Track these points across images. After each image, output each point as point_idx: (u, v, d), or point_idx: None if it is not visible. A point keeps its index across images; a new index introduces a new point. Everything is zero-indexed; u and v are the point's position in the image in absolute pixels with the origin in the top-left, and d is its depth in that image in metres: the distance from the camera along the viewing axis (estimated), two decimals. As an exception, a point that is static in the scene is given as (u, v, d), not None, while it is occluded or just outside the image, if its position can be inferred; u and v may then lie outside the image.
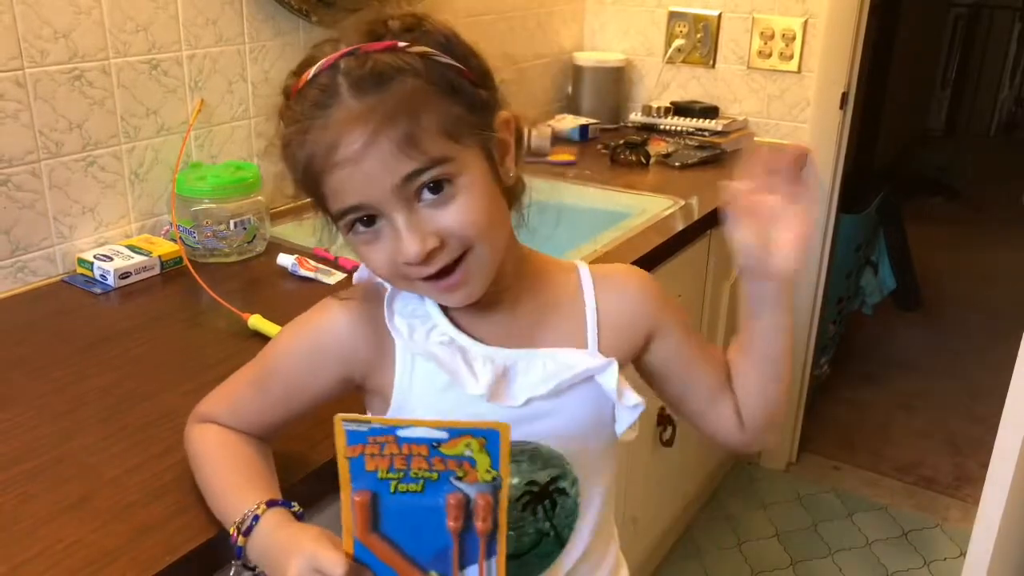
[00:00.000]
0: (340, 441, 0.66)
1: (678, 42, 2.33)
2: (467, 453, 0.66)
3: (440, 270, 0.72)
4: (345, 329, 0.81)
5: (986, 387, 2.87)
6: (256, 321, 1.16)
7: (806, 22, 2.18)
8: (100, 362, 1.09)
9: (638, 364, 0.90)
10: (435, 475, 0.67)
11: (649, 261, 1.50)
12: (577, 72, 2.37)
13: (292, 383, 0.84)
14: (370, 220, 0.72)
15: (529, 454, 0.82)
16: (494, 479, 0.67)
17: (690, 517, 2.28)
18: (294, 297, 1.29)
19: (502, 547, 0.69)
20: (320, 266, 1.36)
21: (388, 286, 0.81)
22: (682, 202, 1.78)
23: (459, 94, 0.72)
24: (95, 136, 1.32)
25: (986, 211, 4.72)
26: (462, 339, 0.80)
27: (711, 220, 1.78)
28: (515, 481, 0.83)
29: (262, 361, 0.85)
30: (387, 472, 0.67)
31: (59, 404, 0.99)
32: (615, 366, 0.82)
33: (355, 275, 0.87)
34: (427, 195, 0.70)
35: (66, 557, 0.76)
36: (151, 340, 1.16)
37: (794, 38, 2.20)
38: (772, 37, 2.22)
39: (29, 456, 0.90)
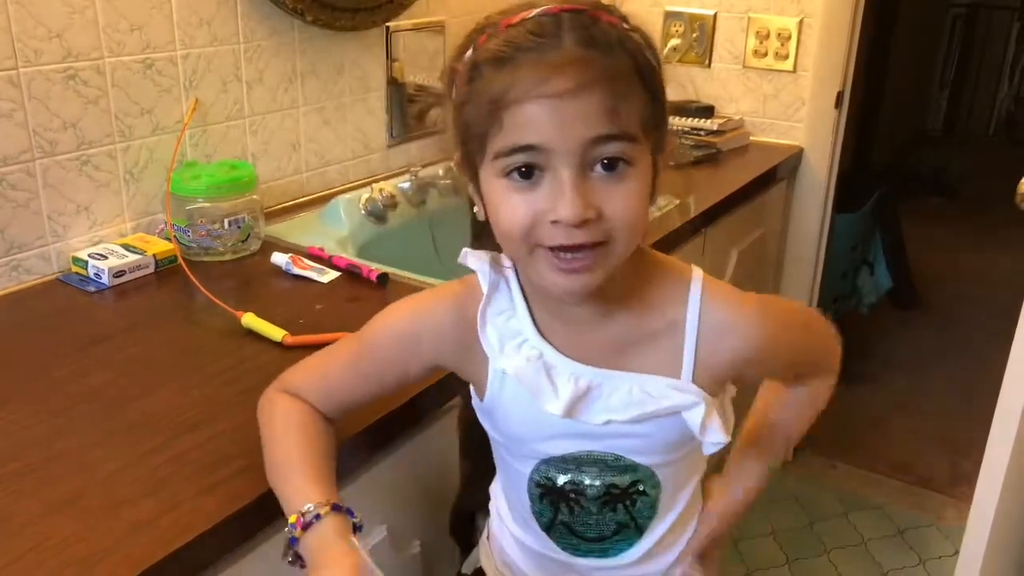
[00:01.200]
0: None
1: (674, 42, 2.34)
2: None
3: (571, 247, 0.70)
4: (447, 320, 0.83)
5: (982, 386, 2.86)
6: (250, 319, 1.16)
7: (801, 21, 2.18)
8: (94, 360, 1.09)
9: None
10: None
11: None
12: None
13: (386, 359, 0.86)
14: (529, 172, 0.70)
15: (611, 462, 0.84)
16: None
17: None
18: (288, 296, 1.30)
19: None
20: (314, 265, 1.37)
21: (485, 290, 0.81)
22: (677, 201, 1.79)
23: (655, 94, 0.72)
24: (89, 135, 1.32)
25: (983, 211, 4.72)
26: (550, 354, 0.80)
27: (707, 218, 1.78)
28: (596, 483, 0.85)
29: (363, 335, 0.87)
30: None
31: (52, 402, 1.00)
32: (703, 407, 0.79)
33: (471, 261, 0.84)
34: (600, 169, 0.69)
35: (58, 554, 0.76)
36: (145, 339, 1.16)
37: (789, 37, 2.20)
38: (768, 37, 2.23)
39: (22, 454, 0.90)
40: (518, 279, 0.82)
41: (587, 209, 0.68)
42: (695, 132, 2.19)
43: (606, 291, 0.76)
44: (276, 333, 1.14)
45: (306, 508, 0.77)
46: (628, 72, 0.69)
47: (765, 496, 2.44)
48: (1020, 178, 1.51)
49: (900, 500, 2.46)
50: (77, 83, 1.29)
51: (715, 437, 0.81)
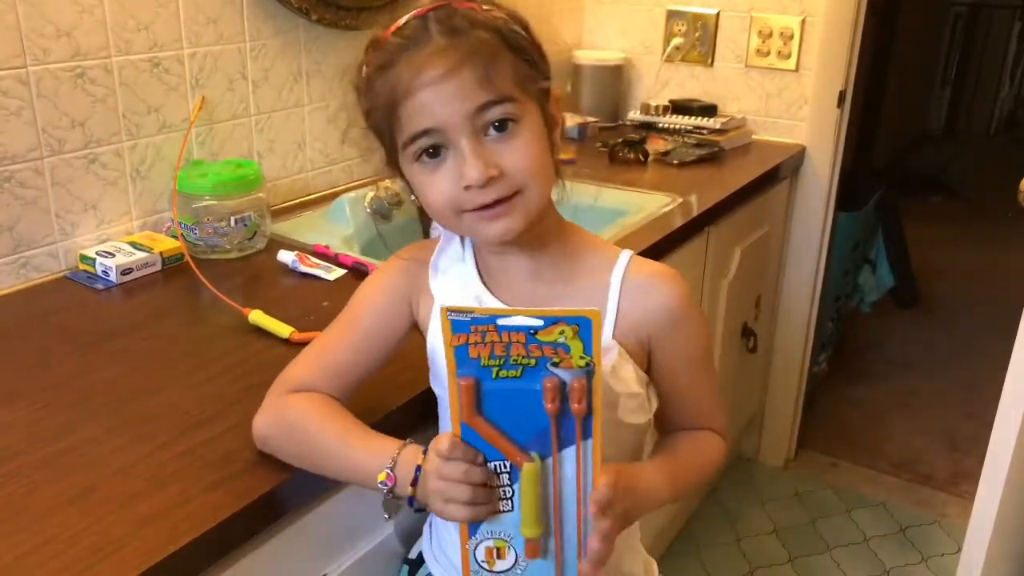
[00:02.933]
0: (446, 331, 0.71)
1: (676, 40, 2.34)
2: (561, 340, 0.71)
3: (487, 204, 0.80)
4: (409, 268, 0.95)
5: (984, 384, 2.88)
6: (257, 317, 1.17)
7: (804, 21, 2.19)
8: (103, 357, 1.10)
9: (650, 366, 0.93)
10: (533, 361, 0.72)
11: (647, 258, 1.51)
12: (576, 71, 2.38)
13: (373, 320, 0.94)
14: (435, 151, 0.80)
15: None
16: (587, 364, 0.72)
17: (689, 513, 2.29)
18: (294, 293, 1.31)
19: (598, 429, 0.74)
20: (320, 262, 1.37)
21: (439, 244, 0.93)
22: (680, 199, 1.79)
23: (527, 55, 0.82)
24: (97, 133, 1.33)
25: (985, 210, 4.73)
26: (486, 298, 0.89)
27: (709, 217, 1.79)
28: None
29: (345, 313, 0.96)
30: (489, 359, 0.72)
31: (63, 398, 1.00)
32: (617, 350, 0.86)
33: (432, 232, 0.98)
34: (492, 132, 0.79)
35: (71, 546, 0.77)
36: (153, 335, 1.17)
37: (792, 37, 2.21)
38: (770, 36, 2.23)
39: (34, 448, 0.91)
40: (472, 240, 0.93)
41: (489, 168, 0.78)
42: (698, 131, 2.20)
43: (537, 243, 0.87)
44: (283, 330, 1.14)
45: (406, 468, 0.81)
46: (492, 44, 0.79)
47: (767, 494, 2.45)
48: (1021, 177, 1.51)
49: (902, 498, 2.46)
50: (85, 81, 1.30)
51: (625, 387, 0.88)
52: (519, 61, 0.81)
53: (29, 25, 1.22)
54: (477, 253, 0.93)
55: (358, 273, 1.35)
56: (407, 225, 1.70)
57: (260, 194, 1.45)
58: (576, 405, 0.73)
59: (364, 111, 0.84)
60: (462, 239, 0.93)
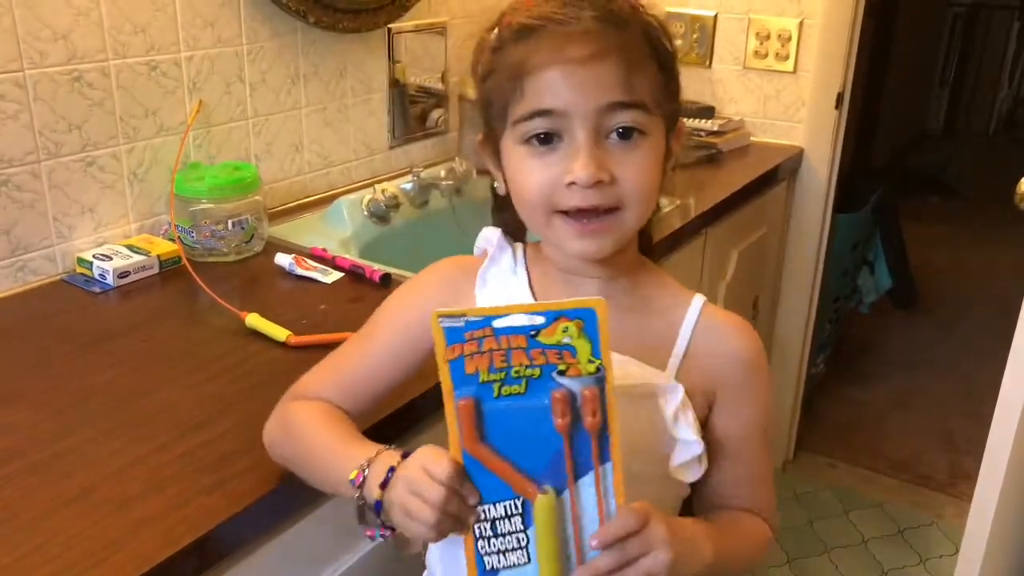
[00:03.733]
0: (439, 342, 0.65)
1: (674, 42, 2.34)
2: (566, 340, 0.65)
3: (587, 210, 0.74)
4: (449, 282, 0.87)
5: (982, 385, 2.88)
6: (254, 320, 1.17)
7: (801, 22, 2.19)
8: (100, 360, 1.10)
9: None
10: (537, 371, 0.65)
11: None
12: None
13: (395, 340, 0.87)
14: (548, 138, 0.74)
15: None
16: (597, 369, 0.65)
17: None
18: (291, 296, 1.31)
19: (616, 445, 0.66)
20: (317, 265, 1.37)
21: (491, 253, 0.86)
22: (678, 201, 1.79)
23: (667, 72, 0.77)
24: (94, 137, 1.33)
25: (983, 210, 4.73)
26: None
27: (707, 219, 1.79)
28: None
29: (368, 324, 0.90)
30: (488, 373, 0.65)
31: (59, 400, 1.00)
32: (681, 392, 0.79)
33: (485, 231, 0.89)
34: (615, 137, 0.73)
35: (67, 549, 0.77)
36: (150, 338, 1.17)
37: (790, 38, 2.21)
38: (768, 37, 2.23)
39: (30, 451, 0.91)
40: (524, 252, 0.87)
41: (601, 171, 0.72)
42: (696, 133, 2.20)
43: (612, 271, 0.81)
44: (280, 333, 1.14)
45: (377, 470, 0.73)
46: (642, 47, 0.74)
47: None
48: (1020, 177, 1.52)
49: (900, 499, 2.46)
50: (82, 85, 1.30)
51: (686, 434, 0.79)
52: (660, 74, 0.76)
53: (25, 28, 1.22)
54: (531, 270, 0.86)
55: (355, 276, 1.35)
56: (405, 228, 1.70)
57: (257, 197, 1.45)
58: (590, 418, 0.65)
59: (482, 72, 0.77)
60: (514, 254, 0.86)
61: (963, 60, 6.23)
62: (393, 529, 0.73)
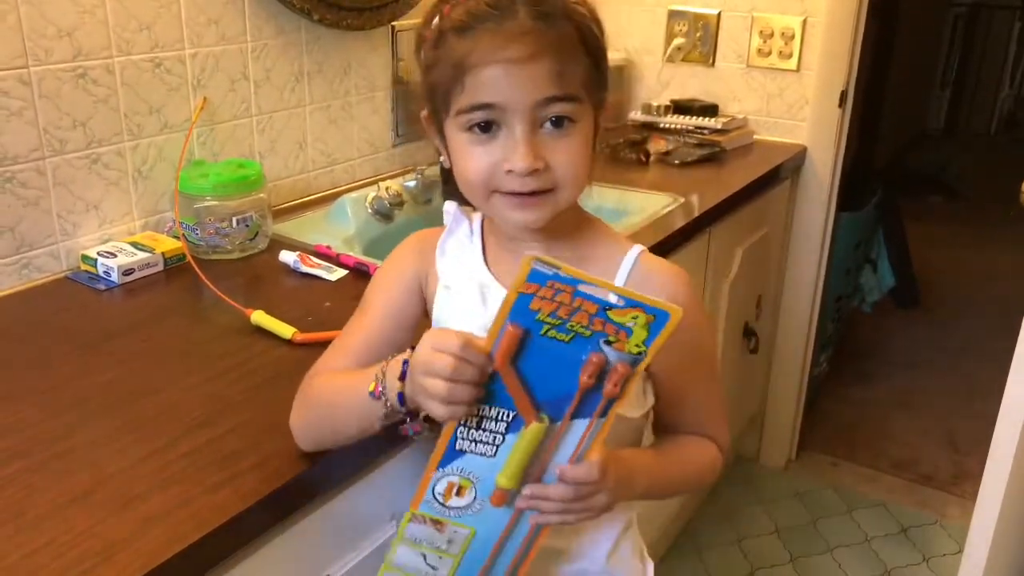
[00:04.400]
0: (520, 277, 0.69)
1: (678, 41, 2.34)
2: (630, 324, 0.69)
3: (523, 193, 0.81)
4: (417, 250, 0.95)
5: (985, 384, 2.87)
6: (259, 317, 1.17)
7: (805, 21, 2.19)
8: (104, 357, 1.10)
9: None
10: (588, 332, 0.70)
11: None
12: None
13: (386, 303, 0.94)
14: (487, 126, 0.80)
15: None
16: (639, 353, 0.71)
17: (690, 513, 2.29)
18: (296, 293, 1.30)
19: (613, 413, 0.73)
20: (322, 263, 1.37)
21: (447, 226, 0.93)
22: (682, 199, 1.79)
23: (597, 60, 0.83)
24: (99, 134, 1.33)
25: (985, 210, 4.73)
26: (489, 282, 0.90)
27: (710, 217, 1.79)
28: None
29: (361, 302, 0.96)
30: (547, 316, 0.70)
31: (64, 399, 1.00)
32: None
33: (446, 206, 0.96)
34: (548, 126, 0.80)
35: (72, 548, 0.77)
36: (154, 336, 1.17)
37: (793, 37, 2.20)
38: (771, 36, 2.23)
39: (35, 449, 0.90)
40: (481, 222, 0.94)
41: (536, 160, 0.79)
42: (699, 131, 2.20)
43: (554, 234, 0.87)
44: (285, 331, 1.14)
45: (392, 367, 0.79)
46: (573, 41, 0.80)
47: (768, 494, 2.45)
48: (1021, 177, 1.51)
49: (903, 498, 2.46)
50: (87, 82, 1.30)
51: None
52: (591, 64, 0.82)
53: (31, 26, 1.22)
54: (485, 238, 0.93)
55: (359, 274, 1.35)
56: (409, 225, 1.70)
57: (262, 194, 1.45)
58: (611, 387, 0.72)
59: (425, 63, 0.83)
60: (470, 224, 0.94)
61: (964, 60, 6.23)
62: (427, 419, 0.80)
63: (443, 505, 0.79)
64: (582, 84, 0.80)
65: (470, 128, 0.81)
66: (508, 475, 0.77)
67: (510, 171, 0.80)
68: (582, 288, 0.69)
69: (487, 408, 0.74)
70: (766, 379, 2.51)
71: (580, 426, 0.75)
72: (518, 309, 0.71)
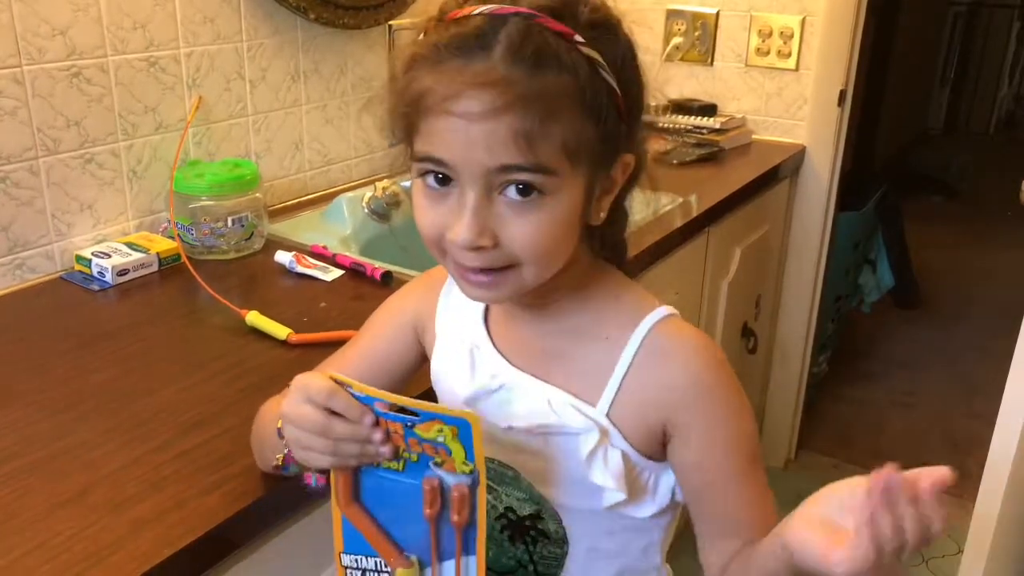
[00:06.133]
0: None
1: (676, 40, 2.34)
2: (440, 439, 0.63)
3: (469, 268, 0.69)
4: (422, 294, 0.87)
5: (984, 385, 2.87)
6: (254, 318, 1.16)
7: (804, 20, 2.18)
8: (98, 358, 1.09)
9: (668, 456, 0.77)
10: (415, 456, 0.65)
11: (647, 259, 1.51)
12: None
13: (373, 345, 0.88)
14: (444, 180, 0.67)
15: (511, 479, 0.80)
16: (472, 472, 0.64)
17: (688, 514, 2.28)
18: (292, 294, 1.30)
19: (481, 545, 0.66)
20: (318, 263, 1.37)
21: (448, 279, 0.83)
22: (680, 199, 1.79)
23: (599, 120, 0.66)
24: (93, 133, 1.32)
25: (985, 209, 4.72)
26: (483, 344, 0.80)
27: (709, 217, 1.78)
28: (495, 502, 0.82)
29: (361, 331, 0.90)
30: None
31: (57, 400, 1.00)
32: (596, 433, 0.73)
33: None
34: (511, 193, 0.65)
35: (64, 550, 0.76)
36: (149, 337, 1.16)
37: (792, 36, 2.20)
38: (770, 35, 2.22)
39: (27, 451, 0.90)
40: None
41: (481, 236, 0.66)
42: (697, 130, 2.19)
43: (551, 292, 0.74)
44: (280, 331, 1.14)
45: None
46: (558, 94, 0.63)
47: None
48: (1021, 175, 1.51)
49: (902, 498, 2.45)
50: (81, 81, 1.29)
51: (602, 479, 0.73)
52: (586, 125, 0.65)
53: (24, 24, 1.21)
54: None
55: (355, 274, 1.34)
56: (405, 226, 1.69)
57: (257, 194, 1.44)
58: (456, 517, 0.65)
59: (398, 87, 0.69)
60: None
61: (964, 59, 6.22)
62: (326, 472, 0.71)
63: None
64: (563, 150, 0.64)
65: (424, 175, 0.68)
66: None
67: (452, 240, 0.67)
68: (378, 407, 0.63)
69: (363, 559, 0.69)
70: (765, 379, 2.51)
71: (450, 568, 0.68)
72: None
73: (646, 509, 0.78)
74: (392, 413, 0.64)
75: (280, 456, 0.75)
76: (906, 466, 0.61)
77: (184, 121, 1.45)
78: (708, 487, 0.76)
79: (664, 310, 0.75)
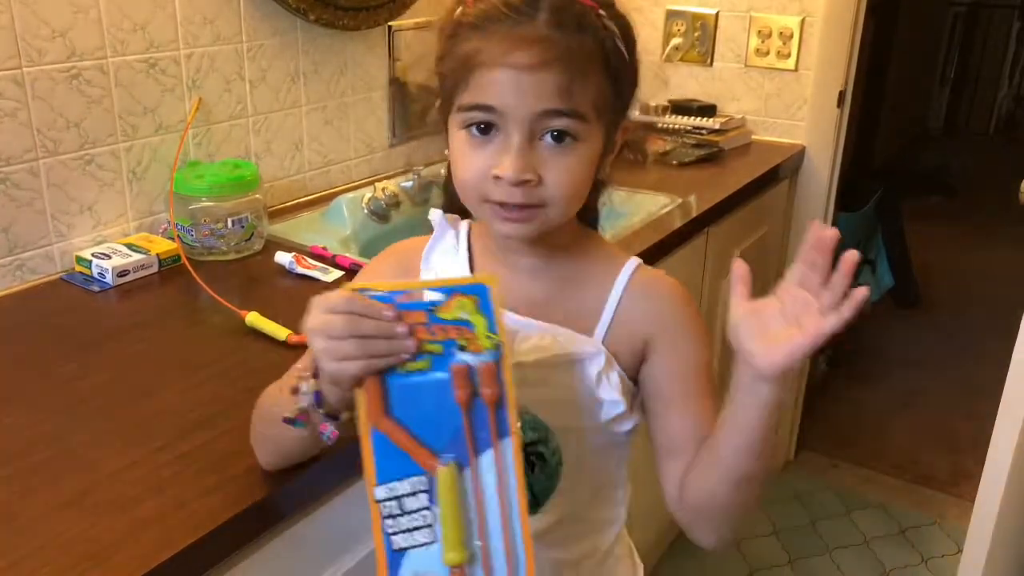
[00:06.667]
0: None
1: (676, 40, 2.34)
2: (463, 316, 0.67)
3: (509, 204, 0.78)
4: (401, 260, 0.92)
5: (984, 385, 2.86)
6: (254, 318, 1.17)
7: (803, 21, 2.18)
8: (99, 359, 1.09)
9: (640, 376, 0.88)
10: (439, 348, 0.68)
11: (647, 259, 1.48)
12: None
13: None
14: (487, 128, 0.77)
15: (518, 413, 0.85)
16: (496, 345, 0.67)
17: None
18: (291, 295, 1.30)
19: (513, 419, 0.68)
20: (317, 264, 1.37)
21: (434, 234, 0.91)
22: (680, 200, 1.79)
23: (617, 80, 0.79)
24: (93, 135, 1.32)
25: (984, 209, 4.72)
26: None
27: (709, 218, 1.78)
28: None
29: None
30: None
31: (58, 401, 1.00)
32: (603, 357, 0.84)
33: (431, 213, 0.93)
34: (549, 139, 0.76)
35: (65, 552, 0.77)
36: (149, 338, 1.16)
37: (791, 36, 2.20)
38: (769, 36, 2.23)
39: (28, 452, 0.90)
40: (468, 229, 0.91)
41: (526, 171, 0.76)
42: (697, 131, 2.19)
43: (547, 248, 0.85)
44: (280, 332, 1.14)
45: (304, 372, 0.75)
46: (590, 55, 0.76)
47: (766, 495, 2.45)
48: (1021, 176, 1.51)
49: (902, 499, 2.46)
50: (81, 82, 1.29)
51: (609, 395, 0.84)
52: (607, 84, 0.78)
53: (24, 26, 1.21)
54: (472, 247, 0.91)
55: (355, 275, 1.34)
56: (405, 226, 1.70)
57: (257, 195, 1.44)
58: (486, 390, 0.68)
59: (439, 53, 0.80)
60: (457, 233, 0.92)
61: (963, 59, 6.23)
62: (336, 418, 0.75)
63: None
64: (592, 102, 0.77)
65: (468, 127, 0.78)
66: (449, 544, 0.69)
67: (498, 177, 0.77)
68: (400, 300, 0.66)
69: (398, 484, 0.69)
70: (765, 379, 2.50)
71: (488, 459, 0.69)
72: None
73: (628, 423, 0.88)
74: (413, 302, 0.67)
75: (295, 408, 0.76)
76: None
77: (184, 122, 1.45)
78: (672, 401, 0.86)
79: (637, 260, 0.89)
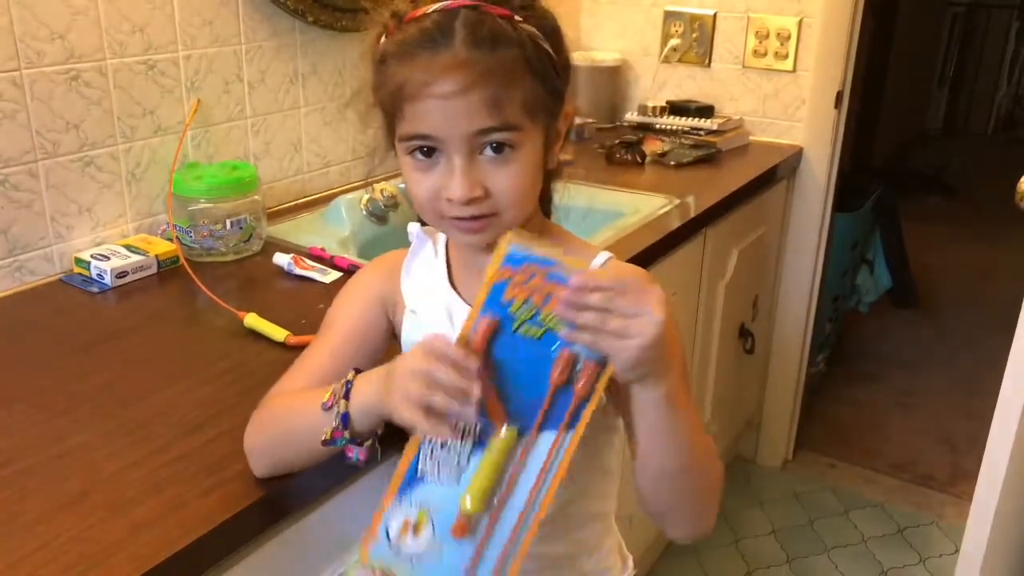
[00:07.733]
0: (495, 262, 0.71)
1: (674, 41, 2.34)
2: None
3: (464, 218, 0.81)
4: (383, 272, 0.95)
5: (982, 384, 2.87)
6: (252, 320, 1.17)
7: (801, 21, 2.18)
8: (98, 360, 1.10)
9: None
10: (559, 327, 0.70)
11: (644, 260, 1.51)
12: (573, 72, 2.37)
13: (350, 326, 0.93)
14: (429, 152, 0.80)
15: None
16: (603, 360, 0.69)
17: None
18: (290, 296, 1.30)
19: (583, 423, 0.71)
20: (316, 265, 1.37)
21: (411, 247, 0.94)
22: (677, 201, 1.79)
23: (545, 79, 0.80)
24: (92, 136, 1.33)
25: (983, 209, 4.73)
26: (455, 303, 0.89)
27: (706, 218, 1.79)
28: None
29: (323, 326, 0.95)
30: (521, 306, 0.71)
31: (57, 402, 1.00)
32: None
33: (410, 226, 0.98)
34: (489, 152, 0.79)
35: (64, 552, 0.77)
36: (148, 339, 1.16)
37: (789, 37, 2.20)
38: (767, 36, 2.23)
39: (28, 453, 0.90)
40: (446, 242, 0.93)
41: (473, 189, 0.79)
42: (695, 132, 2.19)
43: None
44: (279, 333, 1.14)
45: (334, 389, 0.81)
46: (512, 67, 0.77)
47: (765, 495, 2.45)
48: (1019, 176, 1.51)
49: (900, 498, 2.46)
50: (80, 84, 1.29)
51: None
52: (536, 86, 0.79)
53: (23, 28, 1.21)
54: (450, 257, 0.93)
55: (353, 276, 1.35)
56: (403, 227, 1.70)
57: (256, 196, 1.44)
58: (580, 387, 0.70)
59: (373, 83, 0.83)
60: (435, 244, 0.94)
61: (962, 59, 6.23)
62: (361, 443, 0.80)
63: (396, 548, 0.75)
64: (523, 108, 0.78)
65: (412, 152, 0.81)
66: (474, 494, 0.72)
67: (450, 199, 0.79)
68: (555, 271, 0.69)
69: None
70: (763, 380, 2.51)
71: (547, 440, 0.72)
72: (492, 299, 0.71)
73: (610, 429, 0.90)
74: (562, 274, 0.69)
75: (328, 430, 0.80)
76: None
77: (183, 124, 1.45)
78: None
79: (607, 253, 0.90)
